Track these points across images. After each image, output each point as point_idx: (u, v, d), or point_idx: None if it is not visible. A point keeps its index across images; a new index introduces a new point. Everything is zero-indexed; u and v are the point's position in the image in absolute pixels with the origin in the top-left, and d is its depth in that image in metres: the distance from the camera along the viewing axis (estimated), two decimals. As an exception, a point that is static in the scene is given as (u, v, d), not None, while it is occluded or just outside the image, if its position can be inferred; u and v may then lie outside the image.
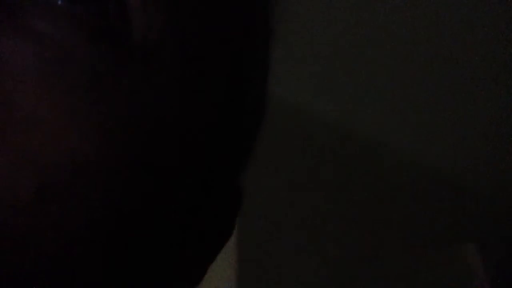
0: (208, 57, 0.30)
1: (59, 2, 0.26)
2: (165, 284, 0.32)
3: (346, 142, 1.83)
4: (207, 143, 0.31)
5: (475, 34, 1.60)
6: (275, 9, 0.36)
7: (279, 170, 1.67)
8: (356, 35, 1.59)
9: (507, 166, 1.93)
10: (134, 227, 0.28)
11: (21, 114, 0.25)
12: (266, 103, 0.36)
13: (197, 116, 0.30)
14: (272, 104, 0.38)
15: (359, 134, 1.85)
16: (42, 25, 0.26)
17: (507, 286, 1.89)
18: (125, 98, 0.27)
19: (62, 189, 0.26)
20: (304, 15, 1.55)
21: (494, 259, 1.92)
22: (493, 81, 1.72)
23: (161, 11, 0.28)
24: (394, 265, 1.80)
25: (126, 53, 0.27)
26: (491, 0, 1.52)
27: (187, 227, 0.32)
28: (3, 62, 0.25)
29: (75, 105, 0.26)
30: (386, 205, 1.86)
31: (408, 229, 1.87)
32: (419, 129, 1.85)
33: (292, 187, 1.68)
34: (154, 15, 0.28)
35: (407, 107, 1.78)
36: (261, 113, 0.36)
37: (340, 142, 1.82)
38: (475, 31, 1.59)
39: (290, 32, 1.54)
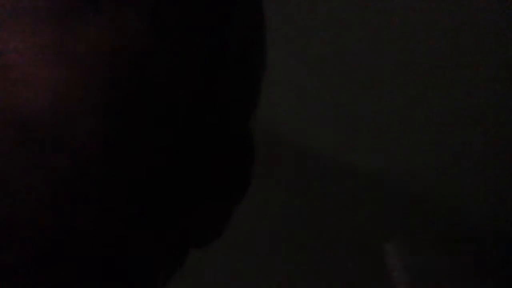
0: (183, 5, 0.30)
1: None
2: (187, 236, 0.32)
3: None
4: (194, 89, 0.30)
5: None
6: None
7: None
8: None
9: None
10: (139, 173, 0.28)
11: None
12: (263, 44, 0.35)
13: (180, 61, 0.29)
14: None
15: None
16: None
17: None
18: (96, 40, 0.27)
19: (44, 134, 0.26)
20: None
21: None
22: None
23: None
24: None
25: None
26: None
27: (202, 176, 0.32)
28: None
29: (46, 45, 0.26)
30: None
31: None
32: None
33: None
34: None
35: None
36: (261, 54, 0.35)
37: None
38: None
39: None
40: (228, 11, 0.31)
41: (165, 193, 0.30)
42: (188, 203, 0.31)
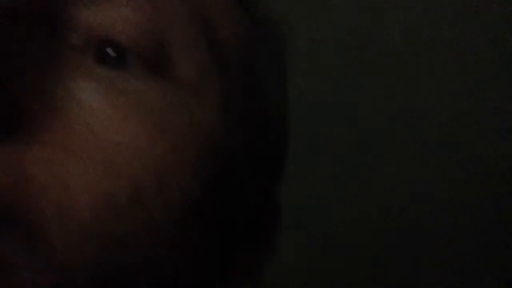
0: (245, 85, 0.37)
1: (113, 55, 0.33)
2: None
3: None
4: (244, 159, 0.36)
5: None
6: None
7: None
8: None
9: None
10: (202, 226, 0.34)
11: (103, 140, 0.31)
12: (287, 123, 0.42)
13: (238, 135, 0.36)
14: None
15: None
16: (105, 69, 0.33)
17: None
18: (181, 117, 0.33)
19: (152, 190, 0.31)
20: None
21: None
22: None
23: (200, 50, 0.35)
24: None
25: (175, 84, 0.34)
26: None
27: (240, 237, 0.37)
28: (83, 102, 0.31)
29: (142, 128, 0.32)
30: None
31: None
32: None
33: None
34: (193, 54, 0.35)
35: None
36: (285, 133, 0.42)
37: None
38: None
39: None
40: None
41: (217, 248, 0.35)
42: (229, 260, 0.37)
